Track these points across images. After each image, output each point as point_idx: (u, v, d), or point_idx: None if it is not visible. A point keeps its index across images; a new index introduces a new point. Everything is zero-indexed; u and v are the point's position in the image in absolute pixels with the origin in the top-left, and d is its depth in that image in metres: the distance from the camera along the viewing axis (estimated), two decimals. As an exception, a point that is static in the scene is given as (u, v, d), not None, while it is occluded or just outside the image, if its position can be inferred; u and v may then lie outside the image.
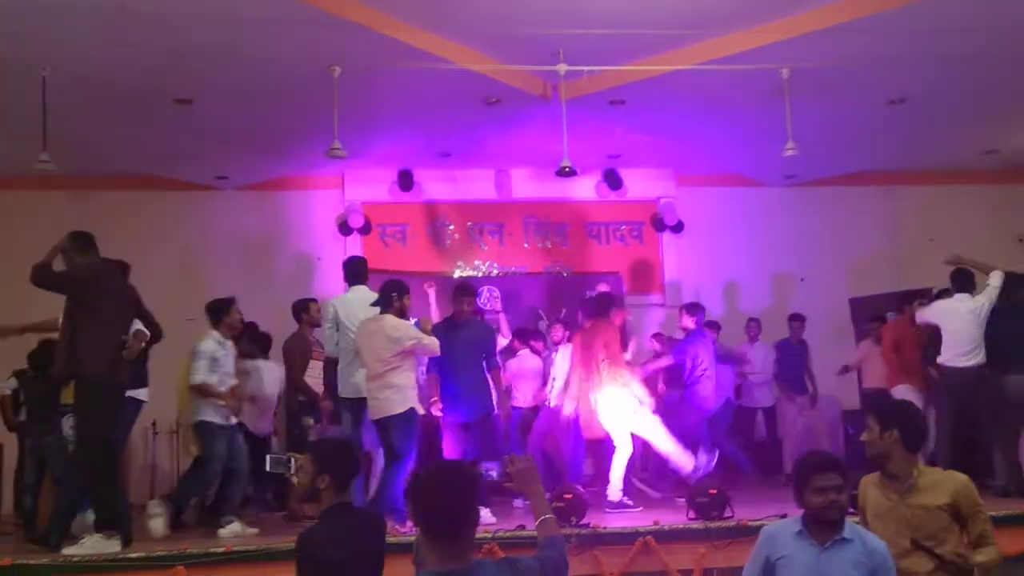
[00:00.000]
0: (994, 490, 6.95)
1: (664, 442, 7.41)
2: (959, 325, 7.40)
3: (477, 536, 5.35)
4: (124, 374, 5.88)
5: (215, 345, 6.67)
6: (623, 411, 7.24)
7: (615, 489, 7.15)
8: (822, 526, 3.40)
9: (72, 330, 5.71)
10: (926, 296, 8.59)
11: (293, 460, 4.35)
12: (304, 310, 7.95)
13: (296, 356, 7.75)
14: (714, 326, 9.27)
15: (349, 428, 6.80)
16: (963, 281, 7.58)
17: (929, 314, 7.73)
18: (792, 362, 9.74)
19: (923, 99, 8.34)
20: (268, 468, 4.42)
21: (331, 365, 7.02)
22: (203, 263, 9.91)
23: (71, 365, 5.73)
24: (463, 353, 6.95)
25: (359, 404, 6.67)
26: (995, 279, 7.42)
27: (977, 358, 7.33)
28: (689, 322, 8.30)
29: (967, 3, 6.60)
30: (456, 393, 6.99)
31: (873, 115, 8.74)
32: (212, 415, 6.63)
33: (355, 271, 7.21)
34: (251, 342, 7.72)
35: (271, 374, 7.75)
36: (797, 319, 9.84)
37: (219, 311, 6.75)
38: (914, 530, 3.64)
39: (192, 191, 10.21)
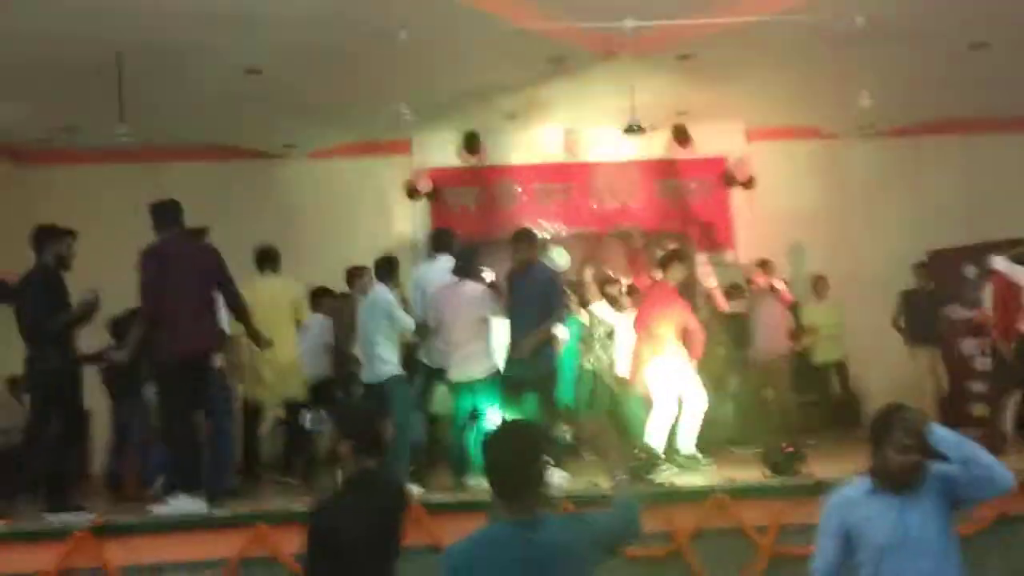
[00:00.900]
0: None
1: (692, 422, 7.13)
2: None
3: (550, 496, 5.41)
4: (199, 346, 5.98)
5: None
6: (672, 374, 7.12)
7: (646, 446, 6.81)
8: (898, 487, 3.21)
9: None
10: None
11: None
12: (359, 277, 7.86)
13: (347, 320, 7.71)
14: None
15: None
16: None
17: None
18: (921, 311, 9.24)
19: (1005, 43, 8.01)
20: (308, 426, 4.48)
21: (423, 333, 6.93)
22: (274, 230, 10.05)
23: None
24: (522, 306, 6.56)
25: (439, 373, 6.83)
26: None
27: None
28: (761, 279, 8.20)
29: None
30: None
31: (953, 61, 8.42)
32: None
33: (439, 241, 7.32)
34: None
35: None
36: (922, 266, 9.41)
37: (393, 267, 6.91)
38: None
39: (262, 159, 10.37)
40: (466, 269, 6.57)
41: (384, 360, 6.57)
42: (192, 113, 8.95)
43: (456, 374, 6.58)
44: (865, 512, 3.25)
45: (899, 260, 9.82)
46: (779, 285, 8.78)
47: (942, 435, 3.15)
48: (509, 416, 6.19)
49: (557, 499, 5.57)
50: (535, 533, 2.60)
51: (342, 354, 7.76)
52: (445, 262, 7.00)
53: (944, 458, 3.17)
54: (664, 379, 7.09)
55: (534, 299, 6.52)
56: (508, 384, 6.56)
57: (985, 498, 3.32)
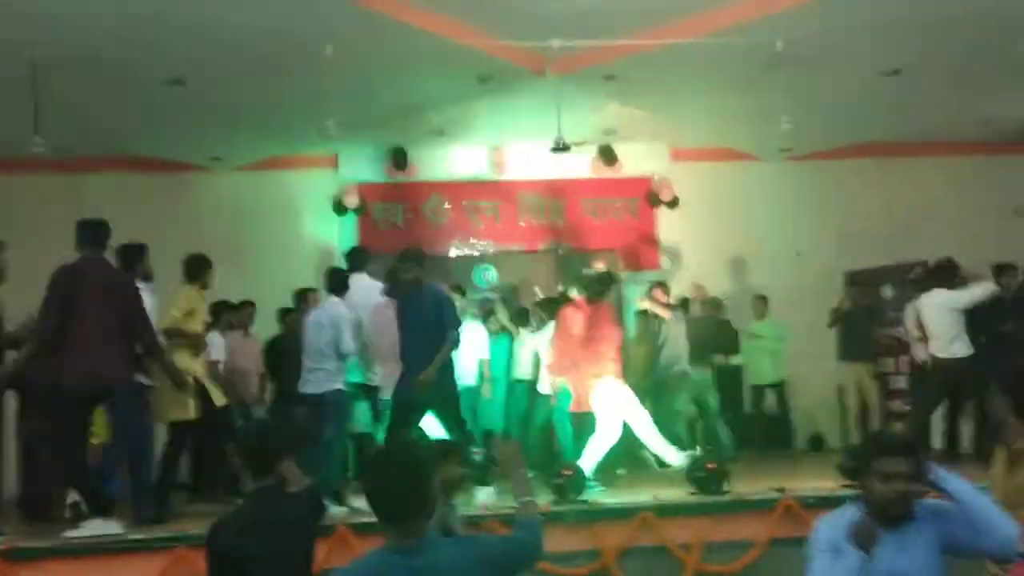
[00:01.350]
0: None
1: (650, 434, 7.25)
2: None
3: (476, 514, 5.40)
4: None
5: None
6: (617, 397, 7.15)
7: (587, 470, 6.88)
8: (886, 520, 2.93)
9: None
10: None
11: None
12: (304, 300, 7.78)
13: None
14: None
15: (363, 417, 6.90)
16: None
17: None
18: (855, 328, 9.33)
19: (917, 69, 8.29)
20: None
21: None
22: (197, 244, 9.84)
23: None
24: (415, 327, 6.44)
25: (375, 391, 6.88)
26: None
27: None
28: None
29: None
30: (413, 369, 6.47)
31: (868, 86, 8.69)
32: None
33: (355, 260, 7.32)
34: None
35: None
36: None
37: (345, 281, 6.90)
38: None
39: (188, 172, 10.18)
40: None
41: (329, 373, 6.53)
42: (115, 124, 8.74)
43: (388, 392, 6.57)
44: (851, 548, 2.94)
45: (819, 281, 10.10)
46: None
47: (942, 474, 2.98)
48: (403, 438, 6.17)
49: (467, 520, 5.55)
50: (417, 559, 2.50)
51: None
52: (361, 280, 7.00)
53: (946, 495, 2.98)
54: (613, 401, 7.11)
55: (428, 321, 6.43)
56: (408, 406, 6.47)
57: (985, 549, 3.03)
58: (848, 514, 3.02)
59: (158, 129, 9.00)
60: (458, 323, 6.64)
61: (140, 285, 6.09)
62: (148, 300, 6.08)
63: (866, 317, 9.41)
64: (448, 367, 6.52)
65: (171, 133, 9.19)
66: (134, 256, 6.34)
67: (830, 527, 3.02)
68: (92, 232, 5.80)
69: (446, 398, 6.52)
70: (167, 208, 9.89)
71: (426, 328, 6.39)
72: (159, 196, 9.96)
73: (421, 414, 6.60)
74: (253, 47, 7.05)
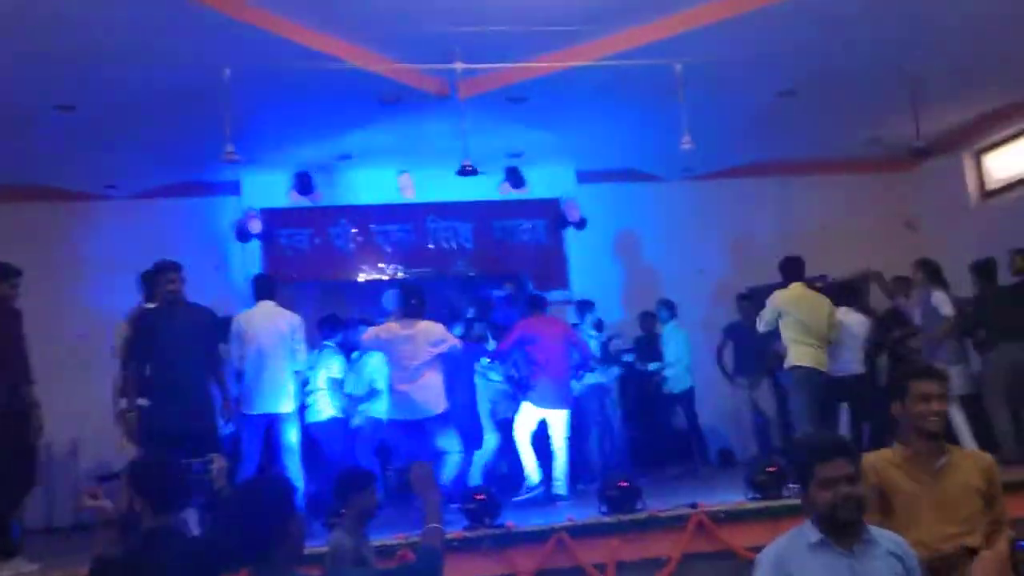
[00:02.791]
0: None
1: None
2: None
3: (389, 543, 5.29)
4: None
5: None
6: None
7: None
8: (841, 528, 2.77)
9: None
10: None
11: (216, 462, 4.19)
12: None
13: None
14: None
15: (254, 443, 6.67)
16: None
17: None
18: (744, 343, 9.48)
19: (809, 90, 8.57)
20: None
21: (237, 378, 6.84)
22: (95, 276, 9.52)
23: None
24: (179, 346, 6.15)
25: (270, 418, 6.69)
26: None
27: None
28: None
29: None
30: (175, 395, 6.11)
31: (764, 107, 8.94)
32: None
33: (261, 287, 7.19)
34: None
35: None
36: (745, 299, 9.69)
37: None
38: (947, 516, 3.29)
39: (81, 201, 9.83)
40: (420, 307, 6.88)
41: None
42: (2, 152, 8.39)
43: (407, 413, 6.79)
44: (807, 572, 2.77)
45: (722, 296, 10.29)
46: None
47: None
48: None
49: (398, 545, 5.46)
50: None
51: None
52: (268, 306, 6.94)
53: None
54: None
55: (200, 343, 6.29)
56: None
57: None
58: (795, 543, 2.84)
59: (48, 157, 8.67)
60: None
61: None
62: None
63: (753, 333, 9.58)
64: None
65: (61, 160, 8.86)
66: None
67: (778, 564, 2.82)
68: None
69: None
70: (60, 237, 9.53)
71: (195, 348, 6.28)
72: (50, 226, 9.58)
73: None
74: (145, 70, 6.87)
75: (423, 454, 6.66)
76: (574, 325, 8.84)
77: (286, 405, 6.81)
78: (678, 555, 5.73)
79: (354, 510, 4.35)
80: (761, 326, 7.73)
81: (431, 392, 6.77)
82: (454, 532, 5.76)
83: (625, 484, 6.33)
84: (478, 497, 6.15)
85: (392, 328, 6.94)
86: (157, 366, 6.03)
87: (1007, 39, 7.73)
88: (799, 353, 7.40)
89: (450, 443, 6.80)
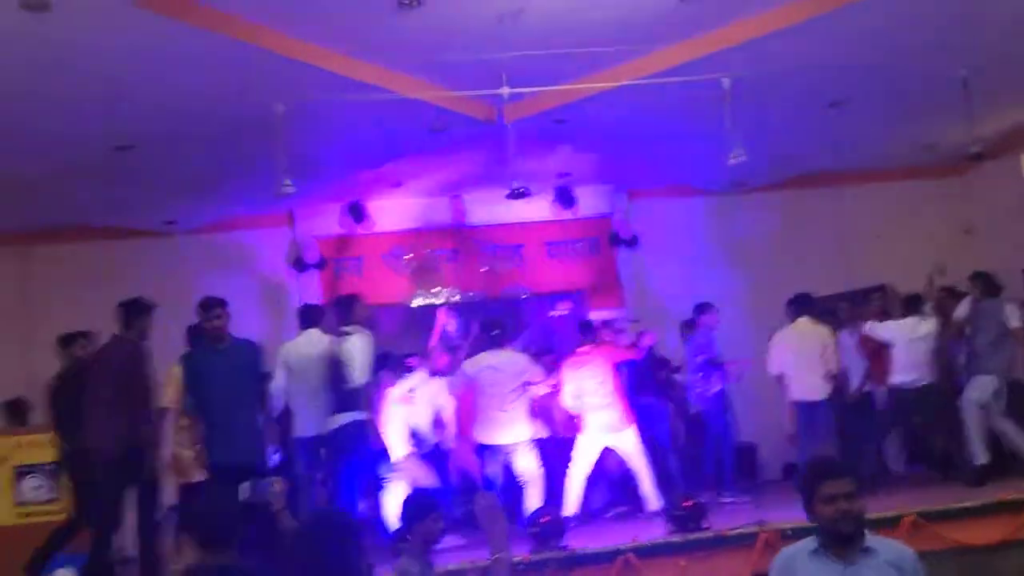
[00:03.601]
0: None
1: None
2: None
3: (454, 568, 5.30)
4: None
5: None
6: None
7: None
8: (839, 540, 3.08)
9: None
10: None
11: (276, 485, 4.22)
12: None
13: None
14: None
15: (304, 467, 6.75)
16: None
17: None
18: None
19: (861, 100, 8.48)
20: (243, 496, 4.28)
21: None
22: (160, 310, 9.70)
23: None
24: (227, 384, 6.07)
25: (318, 441, 6.69)
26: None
27: None
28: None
29: (892, 3, 6.72)
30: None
31: (815, 118, 8.86)
32: None
33: (303, 316, 7.26)
34: None
35: None
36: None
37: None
38: None
39: (141, 238, 10.06)
40: (503, 336, 7.28)
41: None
42: (63, 193, 8.63)
43: (503, 437, 7.13)
44: (805, 575, 3.11)
45: (779, 311, 10.14)
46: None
47: None
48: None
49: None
50: None
51: None
52: (313, 335, 6.99)
53: None
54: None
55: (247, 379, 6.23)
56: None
57: None
58: (800, 550, 3.17)
59: (109, 197, 8.90)
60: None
61: None
62: None
63: None
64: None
65: (122, 200, 9.09)
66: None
67: (785, 566, 3.18)
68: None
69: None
70: (123, 275, 9.74)
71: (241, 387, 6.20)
72: (112, 264, 9.81)
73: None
74: (200, 109, 7.03)
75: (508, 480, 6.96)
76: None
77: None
78: (747, 574, 5.66)
79: (418, 536, 4.37)
80: (770, 368, 8.13)
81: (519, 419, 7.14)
82: (519, 555, 5.75)
83: (690, 503, 6.27)
84: (543, 520, 6.13)
85: (482, 360, 7.20)
86: (206, 407, 6.11)
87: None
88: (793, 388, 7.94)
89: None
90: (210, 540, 3.29)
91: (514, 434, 7.11)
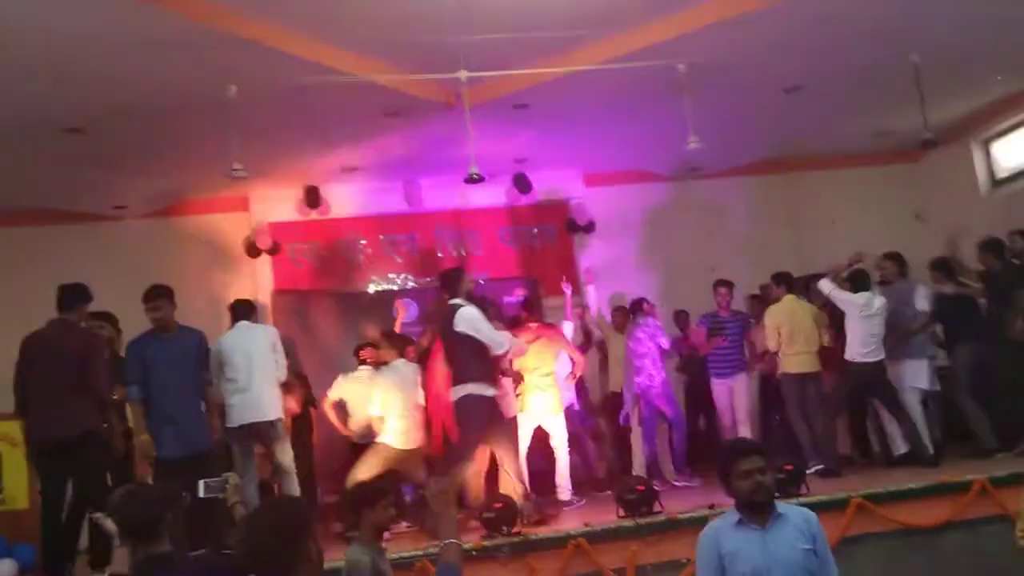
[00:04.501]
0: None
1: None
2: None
3: (408, 553, 5.31)
4: None
5: None
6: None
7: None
8: (756, 509, 3.55)
9: None
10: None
11: (231, 479, 4.18)
12: None
13: None
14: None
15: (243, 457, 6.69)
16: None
17: None
18: None
19: (816, 86, 8.55)
20: (201, 494, 4.24)
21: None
22: (108, 296, 9.56)
23: None
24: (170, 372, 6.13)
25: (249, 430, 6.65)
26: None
27: None
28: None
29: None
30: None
31: (770, 104, 8.92)
32: None
33: (238, 311, 7.14)
34: None
35: None
36: (755, 298, 9.75)
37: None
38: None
39: (91, 222, 9.88)
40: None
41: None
42: (11, 176, 8.44)
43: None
44: (732, 544, 3.54)
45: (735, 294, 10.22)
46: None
47: None
48: None
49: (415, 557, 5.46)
50: None
51: None
52: (242, 327, 6.93)
53: None
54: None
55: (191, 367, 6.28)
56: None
57: None
58: (725, 522, 3.63)
59: (58, 180, 8.72)
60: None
61: None
62: None
63: None
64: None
65: (72, 184, 8.91)
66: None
67: (712, 539, 3.61)
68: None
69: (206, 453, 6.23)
70: (71, 260, 9.57)
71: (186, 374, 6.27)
72: (63, 249, 9.62)
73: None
74: (154, 92, 6.90)
75: None
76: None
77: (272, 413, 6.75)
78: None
79: (368, 524, 4.35)
80: (772, 344, 8.29)
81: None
82: (472, 541, 5.76)
83: (642, 487, 6.31)
84: (496, 506, 6.14)
85: None
86: (150, 394, 6.08)
87: (1011, 26, 7.69)
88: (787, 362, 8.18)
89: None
90: (134, 530, 3.26)
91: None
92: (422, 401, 7.53)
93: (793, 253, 10.72)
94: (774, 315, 8.36)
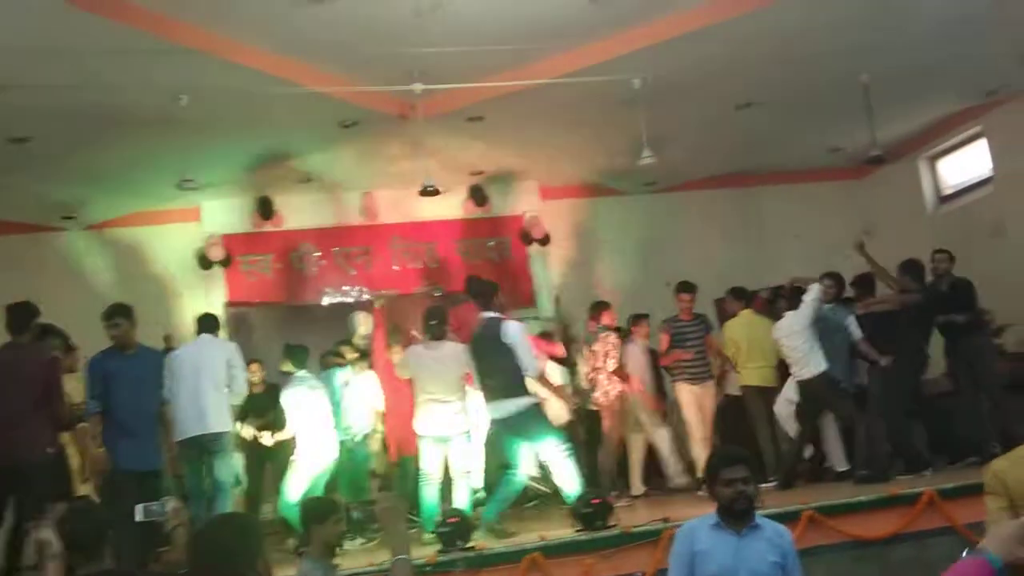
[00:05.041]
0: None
1: None
2: None
3: (361, 569, 5.22)
4: None
5: None
6: None
7: None
8: (735, 516, 3.66)
9: None
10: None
11: (169, 504, 4.08)
12: None
13: None
14: None
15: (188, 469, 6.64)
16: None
17: None
18: None
19: (768, 102, 8.67)
20: (138, 518, 4.12)
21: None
22: (54, 309, 9.35)
23: None
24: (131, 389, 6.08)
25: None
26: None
27: None
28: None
29: (802, 8, 6.88)
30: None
31: (723, 119, 9.02)
32: None
33: (201, 324, 7.10)
34: None
35: None
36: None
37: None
38: None
39: (38, 232, 9.68)
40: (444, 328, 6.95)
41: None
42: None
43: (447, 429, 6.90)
44: (705, 543, 3.66)
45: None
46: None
47: None
48: None
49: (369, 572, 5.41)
50: None
51: None
52: (204, 339, 6.91)
53: None
54: None
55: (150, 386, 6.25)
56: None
57: None
58: (702, 523, 3.73)
59: (2, 190, 8.53)
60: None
61: None
62: None
63: None
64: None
65: (17, 193, 8.73)
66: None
67: (687, 537, 3.72)
68: None
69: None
70: (15, 272, 9.36)
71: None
72: (7, 260, 9.41)
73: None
74: (99, 100, 6.79)
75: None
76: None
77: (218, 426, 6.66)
78: (652, 570, 5.72)
79: (319, 540, 4.29)
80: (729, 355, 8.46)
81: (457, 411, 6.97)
82: (426, 556, 5.71)
83: (597, 501, 6.30)
84: (451, 520, 6.10)
85: (419, 351, 7.04)
86: (109, 408, 6.02)
87: (958, 45, 7.86)
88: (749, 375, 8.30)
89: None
90: (78, 545, 3.19)
91: (452, 426, 6.86)
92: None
93: (749, 267, 10.82)
94: (733, 329, 8.44)
